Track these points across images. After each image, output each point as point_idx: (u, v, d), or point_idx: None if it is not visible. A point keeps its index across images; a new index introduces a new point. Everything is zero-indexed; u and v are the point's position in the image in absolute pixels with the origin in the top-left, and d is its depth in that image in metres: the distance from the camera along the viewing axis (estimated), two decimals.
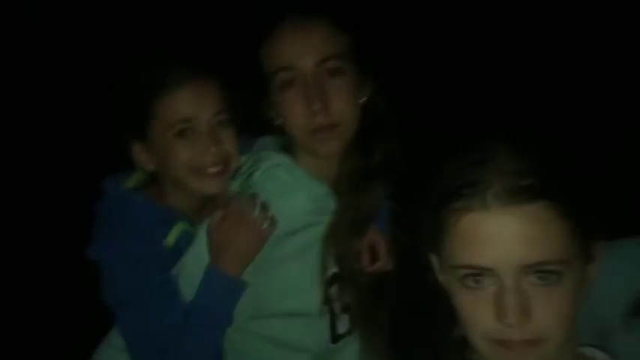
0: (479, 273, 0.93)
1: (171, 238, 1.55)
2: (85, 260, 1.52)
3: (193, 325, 1.42)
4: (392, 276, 1.62)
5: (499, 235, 0.90)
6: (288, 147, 1.53)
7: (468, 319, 0.96)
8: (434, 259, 1.06)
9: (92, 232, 1.58)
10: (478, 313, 0.94)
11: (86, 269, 1.55)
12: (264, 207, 1.44)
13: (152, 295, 1.44)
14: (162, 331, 1.41)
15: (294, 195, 1.48)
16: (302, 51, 1.41)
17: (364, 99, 1.50)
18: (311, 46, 1.41)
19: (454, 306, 0.99)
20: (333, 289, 1.51)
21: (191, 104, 1.52)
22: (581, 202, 0.95)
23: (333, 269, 1.51)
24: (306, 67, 1.41)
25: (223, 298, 1.43)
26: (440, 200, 0.96)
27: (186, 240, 1.55)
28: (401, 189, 1.59)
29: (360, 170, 1.52)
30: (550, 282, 0.90)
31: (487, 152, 0.93)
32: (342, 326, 1.54)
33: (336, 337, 1.54)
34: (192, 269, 1.47)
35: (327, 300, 1.50)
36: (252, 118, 1.56)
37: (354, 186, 1.51)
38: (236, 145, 1.57)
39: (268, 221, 1.43)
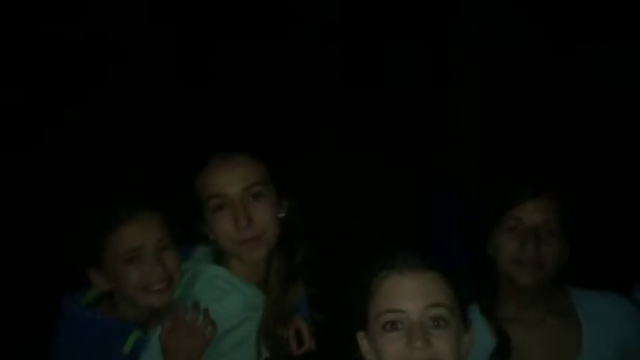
0: (395, 319, 1.35)
1: (128, 346, 1.77)
2: None
3: None
4: (314, 353, 1.92)
5: (409, 289, 1.37)
6: (221, 255, 1.83)
7: (385, 354, 1.35)
8: (360, 336, 1.45)
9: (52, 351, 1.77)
10: (393, 347, 1.34)
11: None
12: (206, 314, 1.70)
13: None
14: None
15: (229, 298, 1.76)
16: (229, 181, 1.75)
17: (282, 214, 1.84)
18: (236, 177, 1.75)
19: (376, 353, 1.38)
20: None
21: (137, 235, 1.78)
22: (457, 283, 1.43)
23: (266, 355, 1.80)
24: (234, 194, 1.74)
25: None
26: (371, 274, 1.42)
27: (141, 346, 1.76)
28: (319, 280, 1.91)
29: (284, 270, 1.84)
30: (441, 326, 1.34)
31: (400, 250, 1.44)
32: None
33: None
34: None
35: None
36: (190, 233, 1.85)
37: (280, 284, 1.82)
38: (177, 263, 1.83)
39: (210, 326, 1.69)
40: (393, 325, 1.35)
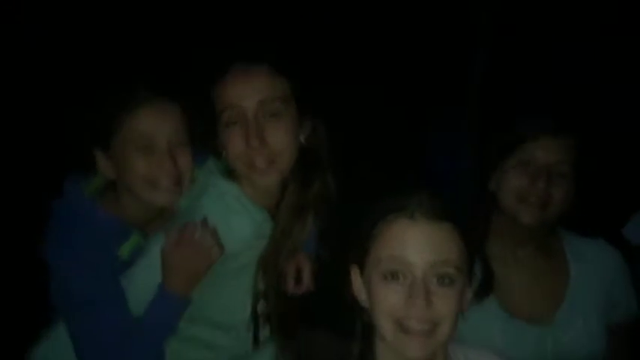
0: (397, 269, 1.24)
1: (125, 250, 1.66)
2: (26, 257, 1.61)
3: (142, 333, 1.56)
4: (310, 294, 1.80)
5: (419, 239, 1.26)
6: (233, 172, 1.67)
7: (380, 306, 1.26)
8: (354, 270, 1.35)
9: (45, 231, 1.66)
10: (391, 300, 1.25)
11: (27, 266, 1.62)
12: (213, 233, 1.58)
13: (104, 302, 1.55)
14: (108, 335, 1.53)
15: (238, 220, 1.63)
16: (244, 93, 1.57)
17: (303, 137, 1.67)
18: (252, 89, 1.57)
19: (370, 300, 1.29)
20: (260, 304, 1.70)
21: (153, 122, 1.64)
22: (470, 236, 1.32)
23: (262, 287, 1.69)
24: (248, 108, 1.57)
25: (172, 315, 1.58)
26: (378, 215, 1.30)
27: (138, 252, 1.66)
28: (331, 216, 1.76)
29: (297, 201, 1.69)
30: (445, 284, 1.24)
31: (416, 190, 1.32)
32: (263, 334, 1.73)
33: (256, 343, 1.73)
34: (142, 282, 1.59)
35: (254, 313, 1.69)
36: (205, 144, 1.70)
37: (291, 216, 1.68)
38: (190, 164, 1.69)
39: (216, 247, 1.58)
40: (393, 275, 1.26)
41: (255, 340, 1.72)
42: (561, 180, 1.70)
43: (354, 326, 1.36)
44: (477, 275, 1.38)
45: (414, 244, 1.25)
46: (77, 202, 1.69)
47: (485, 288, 1.71)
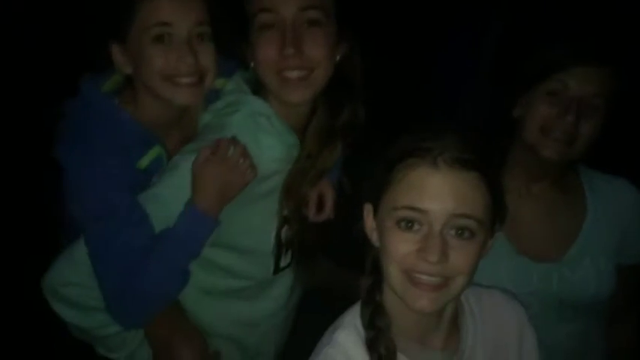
0: (413, 218, 1.15)
1: (145, 161, 1.55)
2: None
3: (165, 251, 1.48)
4: (331, 222, 1.75)
5: (440, 188, 1.14)
6: (261, 89, 1.58)
7: (392, 254, 1.18)
8: (367, 208, 1.27)
9: (60, 131, 1.54)
10: (403, 249, 1.16)
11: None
12: (247, 153, 1.50)
13: (123, 214, 1.45)
14: (129, 251, 1.45)
15: (270, 142, 1.56)
16: None
17: (338, 57, 1.58)
18: None
19: (381, 245, 1.21)
20: (284, 230, 1.65)
21: (172, 9, 1.49)
22: (499, 184, 1.22)
23: (285, 212, 1.64)
24: (287, 13, 1.46)
25: (199, 235, 1.49)
26: (397, 156, 1.19)
27: (158, 165, 1.57)
28: (359, 146, 1.70)
29: (326, 128, 1.61)
30: (464, 237, 1.15)
31: (442, 131, 1.19)
32: (284, 261, 1.70)
33: (277, 270, 1.70)
34: (168, 200, 1.50)
35: (278, 239, 1.65)
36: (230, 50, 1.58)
37: (318, 141, 1.61)
38: (214, 60, 1.56)
39: (252, 167, 1.50)
40: (408, 224, 1.16)
41: (276, 266, 1.69)
42: (593, 114, 1.58)
43: (364, 261, 1.29)
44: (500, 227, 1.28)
45: (435, 195, 1.14)
46: (95, 100, 1.55)
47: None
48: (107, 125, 1.52)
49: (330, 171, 1.69)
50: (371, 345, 1.20)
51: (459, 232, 1.15)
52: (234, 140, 1.50)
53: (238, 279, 1.67)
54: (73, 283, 1.52)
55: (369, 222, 1.27)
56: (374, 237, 1.25)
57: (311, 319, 1.50)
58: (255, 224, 1.61)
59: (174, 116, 1.63)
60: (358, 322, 1.23)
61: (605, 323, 1.79)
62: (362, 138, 1.69)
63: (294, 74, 1.50)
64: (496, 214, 1.21)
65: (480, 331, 1.31)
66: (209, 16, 1.54)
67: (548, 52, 1.61)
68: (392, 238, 1.18)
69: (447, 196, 1.14)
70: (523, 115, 1.64)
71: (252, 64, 1.55)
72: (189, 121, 1.65)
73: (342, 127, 1.63)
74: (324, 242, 1.81)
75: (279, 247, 1.66)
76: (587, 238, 1.71)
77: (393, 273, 1.18)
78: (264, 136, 1.56)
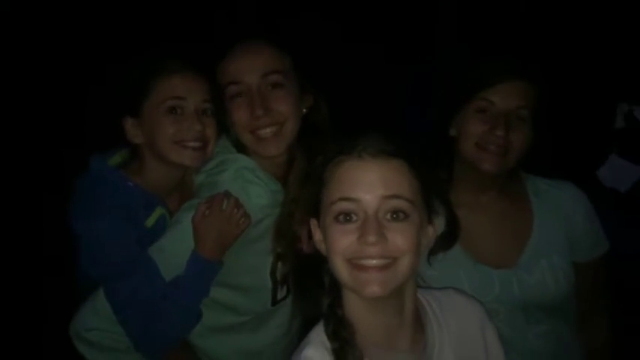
0: (349, 209, 1.24)
1: (151, 221, 1.77)
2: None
3: (179, 296, 1.69)
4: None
5: (368, 176, 1.25)
6: (242, 148, 1.81)
7: (334, 247, 1.25)
8: (313, 223, 1.35)
9: (73, 205, 1.75)
10: (344, 240, 1.23)
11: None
12: (239, 204, 1.71)
13: (137, 270, 1.67)
14: (147, 300, 1.66)
15: (257, 192, 1.77)
16: (248, 68, 1.73)
17: (305, 110, 1.81)
18: (255, 64, 1.73)
19: (326, 246, 1.28)
20: (278, 266, 1.84)
21: (184, 86, 1.76)
22: (425, 171, 1.32)
23: (279, 250, 1.83)
24: (251, 81, 1.72)
25: (205, 278, 1.71)
26: (327, 159, 1.30)
27: (162, 223, 1.78)
28: None
29: (305, 173, 1.78)
30: (400, 219, 1.24)
31: (364, 132, 1.31)
32: (281, 293, 1.89)
33: (275, 302, 1.88)
34: (173, 250, 1.71)
35: (273, 274, 1.84)
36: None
37: (299, 186, 1.80)
38: (215, 133, 1.80)
39: (244, 217, 1.71)
40: (346, 216, 1.24)
41: (274, 299, 1.87)
42: (521, 124, 1.69)
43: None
44: (438, 213, 1.37)
45: (363, 182, 1.24)
46: (104, 173, 1.79)
47: (451, 237, 1.72)
48: (116, 194, 1.75)
49: None
50: (338, 355, 1.24)
51: (394, 215, 1.23)
52: (226, 194, 1.71)
53: (239, 314, 1.87)
54: (94, 328, 1.73)
55: (317, 235, 1.34)
56: (323, 248, 1.31)
57: None
58: (252, 264, 1.81)
59: (174, 180, 1.85)
60: (324, 337, 1.28)
61: (576, 324, 1.85)
62: None
63: (267, 132, 1.74)
64: (427, 199, 1.31)
65: (444, 328, 1.36)
66: (210, 96, 1.79)
67: (470, 73, 1.76)
68: (333, 232, 1.25)
69: (375, 183, 1.24)
70: (458, 134, 1.76)
71: (232, 130, 1.80)
72: (187, 184, 1.88)
73: None
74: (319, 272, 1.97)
75: (275, 282, 1.85)
76: (538, 241, 1.78)
77: (340, 266, 1.24)
78: (252, 187, 1.77)
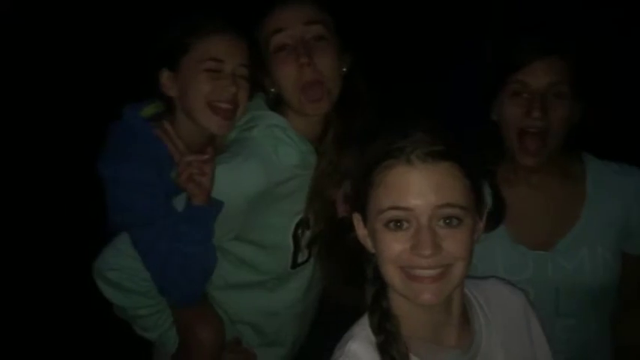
0: (400, 217, 1.18)
1: (176, 173, 1.74)
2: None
3: (186, 239, 1.67)
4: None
5: (419, 184, 1.18)
6: (277, 106, 1.80)
7: (386, 255, 1.20)
8: (356, 218, 1.31)
9: (103, 150, 1.76)
10: (396, 249, 1.18)
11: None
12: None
13: (161, 219, 1.67)
14: (170, 247, 1.66)
15: (286, 150, 1.75)
16: (291, 16, 1.71)
17: (344, 69, 1.78)
18: (298, 13, 1.71)
19: (375, 249, 1.24)
20: (301, 229, 1.83)
21: (225, 49, 1.74)
22: (475, 168, 1.26)
23: (311, 212, 1.81)
24: (295, 29, 1.70)
25: (199, 223, 1.68)
26: (373, 161, 1.23)
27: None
28: None
29: (342, 136, 1.80)
30: (453, 225, 1.18)
31: (409, 129, 1.23)
32: (302, 257, 1.88)
33: (295, 265, 1.88)
34: None
35: (295, 237, 1.83)
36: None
37: (337, 149, 1.79)
38: (247, 99, 1.79)
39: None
40: (397, 223, 1.19)
41: (294, 262, 1.86)
42: (561, 102, 1.62)
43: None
44: (488, 203, 1.32)
45: (415, 191, 1.17)
46: (135, 123, 1.79)
47: (496, 219, 1.68)
48: (143, 144, 1.74)
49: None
50: (383, 349, 1.21)
51: (447, 221, 1.18)
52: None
53: (259, 273, 1.87)
54: (115, 268, 1.74)
55: (361, 230, 1.30)
56: (368, 244, 1.27)
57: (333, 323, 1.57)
58: (275, 223, 1.80)
59: (204, 137, 1.83)
60: (368, 331, 1.24)
61: (609, 319, 1.78)
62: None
63: (310, 77, 1.70)
64: (478, 196, 1.25)
65: (491, 321, 1.32)
66: (248, 60, 1.77)
67: (499, 56, 1.71)
68: (384, 240, 1.20)
69: (427, 190, 1.17)
70: (499, 119, 1.71)
71: (272, 90, 1.77)
72: (218, 141, 1.85)
73: (356, 133, 1.80)
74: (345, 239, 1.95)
75: (297, 244, 1.84)
76: (584, 227, 1.71)
77: (391, 273, 1.21)
78: (282, 146, 1.75)
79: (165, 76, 1.79)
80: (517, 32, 1.86)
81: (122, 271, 1.73)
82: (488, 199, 1.67)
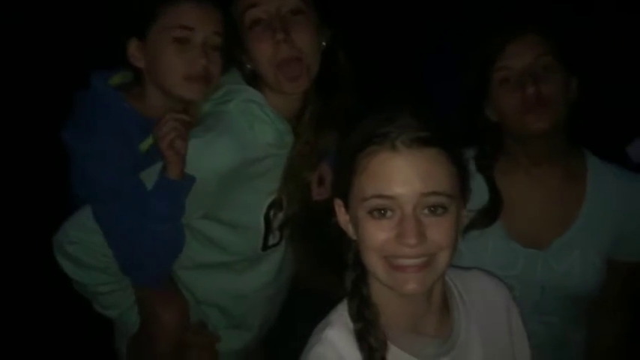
0: (384, 206, 1.14)
1: (145, 145, 1.68)
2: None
3: (148, 218, 1.59)
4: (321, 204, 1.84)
5: (404, 171, 1.14)
6: (255, 85, 1.70)
7: (370, 243, 1.17)
8: (338, 203, 1.26)
9: (69, 119, 1.68)
10: (380, 237, 1.15)
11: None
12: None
13: (126, 194, 1.59)
14: (134, 223, 1.58)
15: (262, 127, 1.67)
16: None
17: (324, 44, 1.70)
18: None
19: (357, 236, 1.21)
20: (273, 210, 1.76)
21: (195, 17, 1.64)
22: (461, 155, 1.23)
23: (284, 193, 1.75)
24: (271, 3, 1.60)
25: (171, 197, 1.59)
26: (357, 146, 1.18)
27: (157, 150, 1.65)
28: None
29: (319, 114, 1.73)
30: (438, 214, 1.15)
31: (395, 113, 1.19)
32: (273, 239, 1.81)
33: (266, 247, 1.81)
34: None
35: (267, 218, 1.76)
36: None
37: (314, 129, 1.72)
38: (220, 69, 1.70)
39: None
40: (381, 211, 1.15)
41: (265, 243, 1.80)
42: (551, 73, 1.59)
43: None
44: (473, 190, 1.27)
45: (400, 179, 1.14)
46: (103, 92, 1.70)
47: (492, 215, 1.66)
48: (111, 115, 1.66)
49: (328, 154, 1.79)
50: (360, 336, 1.19)
51: (432, 209, 1.15)
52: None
53: (227, 253, 1.79)
54: (75, 241, 1.66)
55: (342, 216, 1.26)
56: (350, 230, 1.24)
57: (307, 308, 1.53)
58: (247, 201, 1.72)
59: (175, 109, 1.73)
60: (346, 318, 1.22)
61: (585, 319, 1.77)
62: (357, 121, 1.78)
63: (286, 53, 1.61)
64: (464, 183, 1.23)
65: (470, 311, 1.31)
66: (222, 29, 1.68)
67: (476, 52, 1.67)
68: (367, 228, 1.17)
69: (412, 178, 1.14)
70: (498, 115, 1.67)
71: (248, 66, 1.68)
72: (191, 113, 1.74)
73: (335, 113, 1.73)
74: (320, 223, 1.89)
75: (268, 225, 1.77)
76: (579, 229, 1.69)
77: (375, 262, 1.18)
78: (258, 123, 1.67)
79: (133, 46, 1.69)
80: (489, 26, 1.80)
81: (82, 244, 1.65)
82: (484, 196, 1.66)
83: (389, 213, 1.15)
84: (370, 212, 1.16)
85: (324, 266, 1.82)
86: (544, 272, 1.67)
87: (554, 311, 1.71)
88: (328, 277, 1.48)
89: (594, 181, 1.71)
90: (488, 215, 1.66)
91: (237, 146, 1.62)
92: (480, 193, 1.66)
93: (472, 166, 1.67)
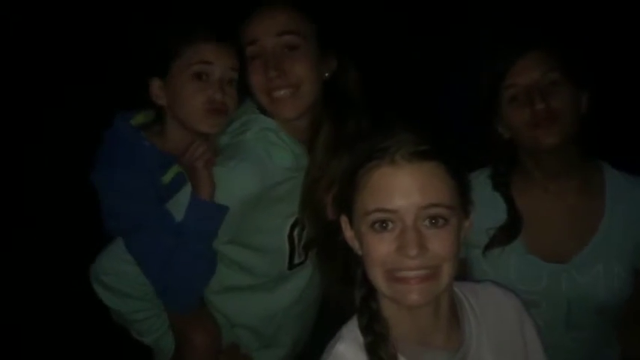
0: (385, 218, 1.18)
1: (167, 177, 1.79)
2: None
3: (186, 240, 1.67)
4: None
5: (404, 184, 1.18)
6: (265, 111, 1.79)
7: (372, 257, 1.20)
8: (344, 220, 1.31)
9: (96, 159, 1.79)
10: (382, 250, 1.18)
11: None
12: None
13: (154, 223, 1.68)
14: (164, 252, 1.67)
15: (280, 153, 1.75)
16: (263, 29, 1.71)
17: (329, 74, 1.78)
18: (270, 25, 1.71)
19: (362, 250, 1.24)
20: (297, 230, 1.83)
21: (214, 52, 1.75)
22: (460, 167, 1.26)
23: (301, 215, 1.81)
24: (266, 42, 1.70)
25: (206, 219, 1.68)
26: (358, 163, 1.23)
27: (179, 180, 1.78)
28: None
29: (332, 140, 1.79)
30: (439, 225, 1.18)
31: (394, 130, 1.24)
32: (298, 258, 1.88)
33: (292, 266, 1.88)
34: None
35: (291, 238, 1.83)
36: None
37: (326, 153, 1.78)
38: (235, 102, 1.80)
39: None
40: (382, 224, 1.19)
41: (290, 263, 1.86)
42: (558, 88, 1.61)
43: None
44: (474, 202, 1.29)
45: (400, 192, 1.17)
46: (125, 131, 1.81)
47: (512, 233, 1.68)
48: (132, 152, 1.77)
49: None
50: (371, 350, 1.20)
51: (433, 221, 1.17)
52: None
53: (255, 276, 1.87)
54: (110, 272, 1.76)
55: (348, 232, 1.29)
56: (355, 245, 1.27)
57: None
58: (270, 225, 1.80)
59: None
60: (357, 333, 1.24)
61: (615, 333, 1.77)
62: None
63: (281, 93, 1.72)
64: (464, 195, 1.25)
65: (482, 323, 1.31)
66: (237, 64, 1.78)
67: (488, 69, 1.70)
68: (370, 241, 1.20)
69: (412, 191, 1.17)
70: (510, 132, 1.70)
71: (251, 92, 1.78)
72: (210, 146, 1.83)
73: (348, 137, 1.79)
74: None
75: (292, 245, 1.84)
76: (601, 242, 1.68)
77: (378, 275, 1.20)
78: (274, 149, 1.75)
79: (156, 86, 1.80)
80: (496, 44, 1.84)
81: (118, 275, 1.75)
82: (503, 213, 1.69)
83: (390, 226, 1.18)
84: (372, 226, 1.19)
85: (345, 283, 1.87)
86: (569, 286, 1.67)
87: (583, 326, 1.70)
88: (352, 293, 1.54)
89: (612, 194, 1.71)
90: (509, 232, 1.69)
91: (258, 173, 1.70)
92: (498, 211, 1.71)
93: (489, 185, 1.73)
